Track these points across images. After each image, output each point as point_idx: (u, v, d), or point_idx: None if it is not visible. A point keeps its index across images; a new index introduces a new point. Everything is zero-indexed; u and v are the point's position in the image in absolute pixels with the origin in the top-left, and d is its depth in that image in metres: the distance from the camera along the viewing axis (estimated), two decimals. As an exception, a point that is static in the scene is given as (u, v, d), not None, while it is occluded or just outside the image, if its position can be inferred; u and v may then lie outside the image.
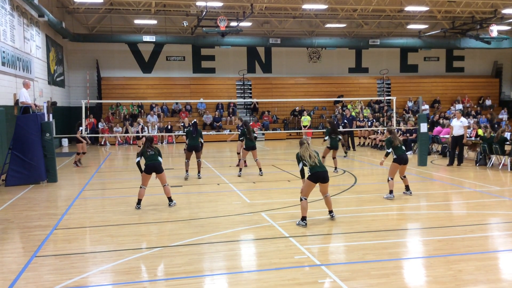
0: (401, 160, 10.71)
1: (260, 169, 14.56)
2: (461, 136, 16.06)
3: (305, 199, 8.59)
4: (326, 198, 8.90)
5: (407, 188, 11.13)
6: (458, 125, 16.13)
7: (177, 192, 11.90)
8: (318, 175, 8.52)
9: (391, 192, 10.70)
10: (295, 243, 7.38)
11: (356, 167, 16.65)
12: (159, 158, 10.10)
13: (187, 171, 14.23)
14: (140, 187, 10.12)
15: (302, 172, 8.79)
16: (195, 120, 16.91)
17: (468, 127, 19.07)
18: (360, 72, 35.13)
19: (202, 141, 14.24)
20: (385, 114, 29.46)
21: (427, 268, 6.43)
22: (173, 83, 32.07)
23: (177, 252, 7.12)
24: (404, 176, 11.10)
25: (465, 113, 31.88)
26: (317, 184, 8.66)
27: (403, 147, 10.98)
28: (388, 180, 10.80)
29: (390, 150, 10.88)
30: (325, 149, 15.27)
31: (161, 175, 10.12)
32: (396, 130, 20.44)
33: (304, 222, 8.44)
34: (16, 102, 16.02)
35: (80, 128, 17.77)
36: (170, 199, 10.29)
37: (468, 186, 12.54)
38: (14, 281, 6.07)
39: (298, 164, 8.77)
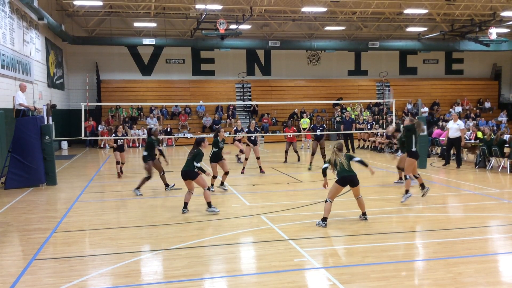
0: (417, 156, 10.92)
1: (212, 185, 12.05)
2: (457, 139, 16.16)
3: (330, 201, 8.75)
4: (359, 200, 9.01)
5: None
6: (455, 128, 16.26)
7: (176, 195, 11.90)
8: (346, 179, 8.80)
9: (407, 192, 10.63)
10: (295, 246, 7.37)
11: (356, 170, 16.62)
12: (194, 164, 9.56)
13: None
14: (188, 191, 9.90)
15: (324, 171, 9.13)
16: (153, 126, 14.81)
17: (468, 129, 19.10)
18: (360, 74, 35.18)
19: (160, 150, 12.28)
20: (384, 116, 29.46)
21: (426, 270, 6.42)
22: (172, 85, 32.09)
23: (176, 255, 7.11)
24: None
25: (465, 116, 31.94)
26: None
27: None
28: (407, 178, 10.80)
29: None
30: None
31: (195, 181, 9.62)
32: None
33: (324, 223, 8.61)
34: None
35: (114, 134, 15.70)
36: (209, 204, 9.82)
37: (467, 188, 12.54)
38: (14, 284, 6.06)
39: (324, 163, 9.23)
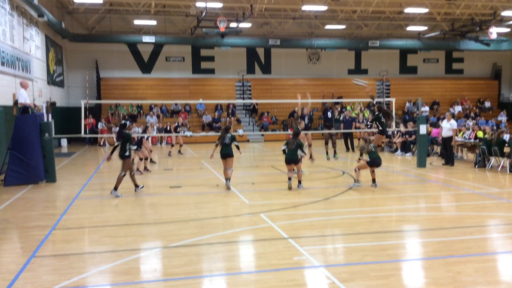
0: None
1: (228, 179, 12.22)
2: (450, 138, 16.22)
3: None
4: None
5: (373, 180, 12.43)
6: (447, 127, 16.35)
7: (176, 193, 11.90)
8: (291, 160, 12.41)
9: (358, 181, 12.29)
10: (294, 244, 7.37)
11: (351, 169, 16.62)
12: (233, 146, 12.12)
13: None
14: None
15: (283, 151, 12.39)
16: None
17: (468, 129, 19.11)
18: (360, 73, 35.13)
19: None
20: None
21: (426, 269, 6.42)
22: (172, 83, 32.05)
23: (176, 252, 7.11)
24: (373, 171, 12.43)
25: (464, 115, 31.95)
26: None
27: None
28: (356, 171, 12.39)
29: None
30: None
31: (231, 160, 12.22)
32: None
33: (289, 182, 12.36)
34: (16, 102, 16.00)
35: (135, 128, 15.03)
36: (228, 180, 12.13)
37: (467, 187, 12.54)
38: (13, 281, 6.06)
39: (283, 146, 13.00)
